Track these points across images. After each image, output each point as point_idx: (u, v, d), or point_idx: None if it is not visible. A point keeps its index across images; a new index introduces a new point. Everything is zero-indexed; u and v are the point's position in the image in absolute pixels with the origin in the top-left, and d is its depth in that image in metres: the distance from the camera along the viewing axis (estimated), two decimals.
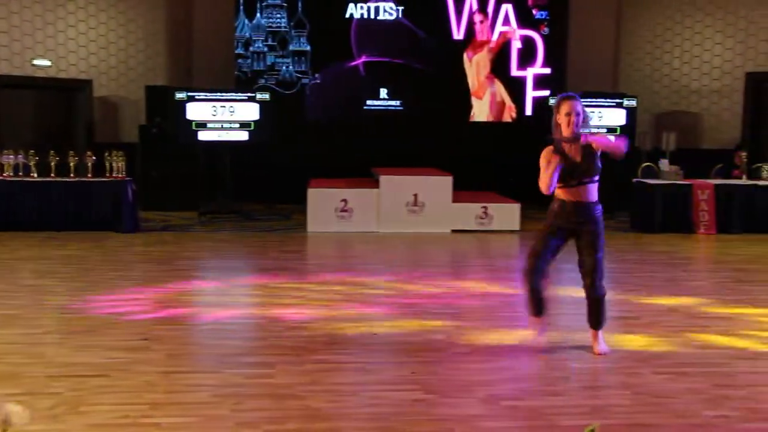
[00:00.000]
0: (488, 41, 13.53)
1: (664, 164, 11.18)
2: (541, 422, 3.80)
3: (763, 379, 4.48)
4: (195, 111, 11.06)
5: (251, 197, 12.55)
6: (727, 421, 3.82)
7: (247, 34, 13.11)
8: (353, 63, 13.30)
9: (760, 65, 13.02)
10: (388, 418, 3.82)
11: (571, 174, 4.94)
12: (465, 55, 13.50)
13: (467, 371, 4.61)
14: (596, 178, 5.01)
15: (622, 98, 12.17)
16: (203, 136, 11.13)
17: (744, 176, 11.07)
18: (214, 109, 11.08)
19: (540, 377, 4.52)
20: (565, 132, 4.94)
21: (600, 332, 5.00)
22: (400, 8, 13.30)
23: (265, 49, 13.16)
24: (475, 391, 4.23)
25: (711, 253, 9.22)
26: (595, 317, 5.00)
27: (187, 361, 4.74)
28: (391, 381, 4.36)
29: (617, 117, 12.03)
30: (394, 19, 13.31)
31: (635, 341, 5.24)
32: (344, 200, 10.24)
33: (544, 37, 13.62)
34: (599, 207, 5.06)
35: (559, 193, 5.07)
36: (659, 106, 13.80)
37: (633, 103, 12.14)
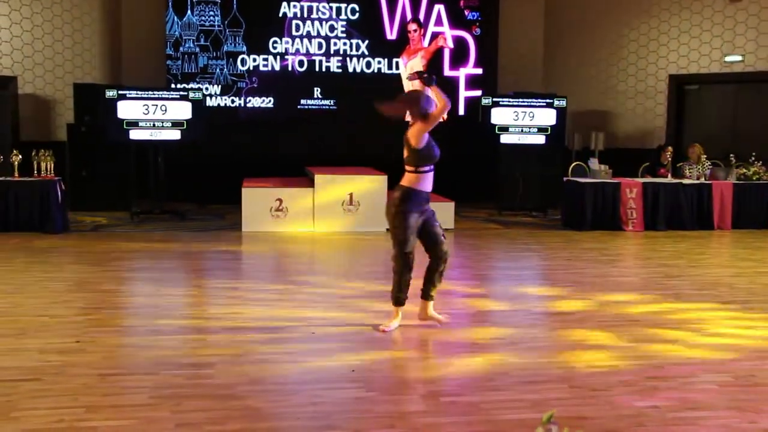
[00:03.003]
0: (422, 48, 13.63)
1: (593, 163, 11.46)
2: (480, 417, 3.85)
3: (690, 370, 4.64)
4: (126, 109, 10.83)
5: (185, 197, 12.37)
6: (658, 411, 3.95)
7: (177, 33, 12.87)
8: (287, 62, 13.23)
9: (682, 68, 13.48)
10: (329, 416, 3.82)
11: (434, 158, 5.49)
12: (400, 60, 13.57)
13: (407, 368, 4.64)
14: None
15: (552, 98, 12.42)
16: (135, 135, 10.91)
17: (669, 175, 11.44)
18: (146, 107, 10.87)
19: (478, 373, 4.58)
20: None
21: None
22: (333, 7, 13.29)
23: (197, 49, 12.95)
24: (415, 387, 4.27)
25: (639, 249, 9.49)
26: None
27: (124, 362, 4.65)
28: (332, 379, 4.37)
29: (547, 117, 12.27)
30: (327, 18, 13.29)
31: (571, 336, 5.36)
32: (279, 199, 10.19)
33: (475, 38, 13.81)
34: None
35: (422, 183, 5.43)
36: (588, 107, 14.14)
37: (563, 103, 12.40)
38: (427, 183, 5.42)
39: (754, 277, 7.64)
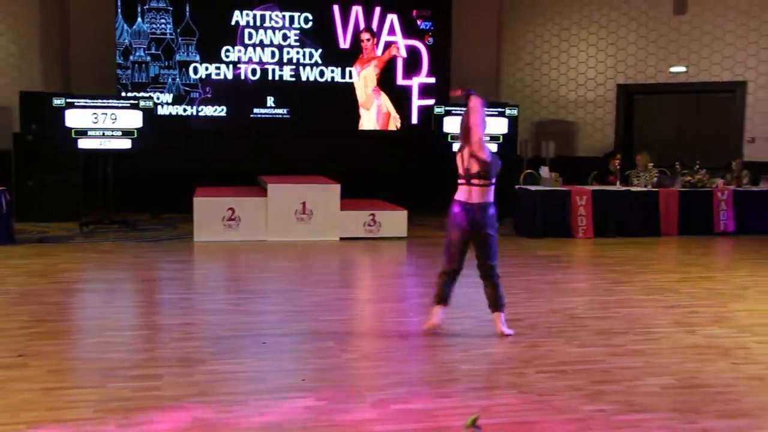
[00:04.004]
0: (375, 57, 13.69)
1: (544, 171, 11.61)
2: (431, 424, 3.88)
3: (636, 373, 4.73)
4: (74, 118, 10.66)
5: (135, 207, 12.20)
6: (604, 414, 4.02)
7: (127, 41, 12.71)
8: (240, 71, 13.16)
9: (630, 78, 13.75)
10: (279, 426, 3.81)
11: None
12: (354, 70, 13.60)
13: (357, 376, 4.65)
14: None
15: (504, 107, 12.57)
16: (84, 144, 10.74)
17: (618, 182, 11.65)
18: (95, 116, 10.71)
19: (428, 379, 4.60)
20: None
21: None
22: (286, 16, 13.28)
23: (148, 58, 12.79)
24: (365, 395, 4.27)
25: (589, 256, 9.64)
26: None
27: (69, 376, 4.57)
28: (282, 388, 4.35)
29: (499, 126, 12.41)
30: (279, 27, 13.27)
31: (518, 342, 5.42)
32: (231, 209, 10.12)
33: (428, 47, 13.91)
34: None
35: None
36: (539, 116, 14.34)
37: (514, 112, 12.55)
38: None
39: (698, 282, 7.82)
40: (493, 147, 12.35)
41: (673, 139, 13.42)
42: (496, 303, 5.61)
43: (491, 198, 5.55)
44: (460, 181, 5.57)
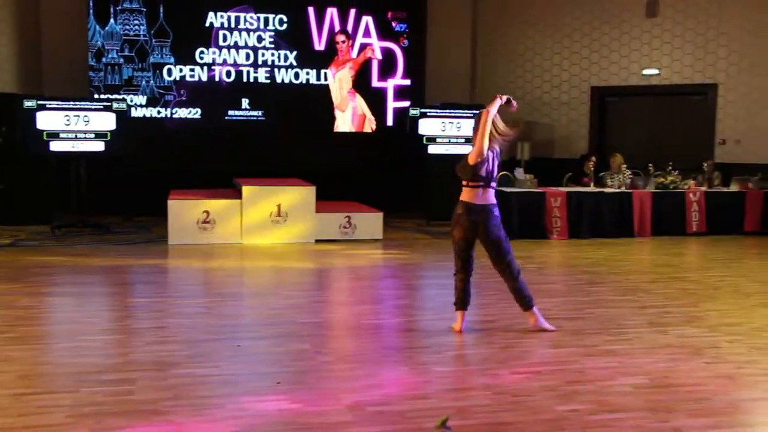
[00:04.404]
0: (350, 59, 13.69)
1: (519, 173, 11.68)
2: (407, 426, 3.88)
3: (609, 373, 4.77)
4: (46, 120, 10.55)
5: (109, 209, 12.11)
6: (578, 415, 4.05)
7: (100, 43, 12.60)
8: (214, 73, 13.11)
9: (603, 80, 13.87)
10: (254, 429, 3.80)
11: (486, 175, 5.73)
12: (329, 72, 13.59)
13: (333, 379, 4.65)
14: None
15: (478, 109, 12.53)
16: (56, 146, 10.63)
17: (592, 184, 11.74)
18: (67, 118, 10.61)
19: (404, 382, 4.61)
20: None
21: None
22: (261, 18, 13.24)
23: (121, 60, 12.69)
24: (341, 398, 4.27)
25: (564, 257, 9.71)
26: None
27: (41, 381, 4.52)
28: (257, 392, 4.34)
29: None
30: (254, 29, 13.23)
31: (493, 343, 5.44)
32: (206, 211, 10.07)
33: (403, 49, 13.93)
34: None
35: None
36: (514, 117, 14.39)
37: None
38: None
39: (671, 282, 7.91)
40: (468, 149, 12.40)
41: (646, 141, 13.55)
42: (521, 301, 5.74)
43: (493, 200, 5.76)
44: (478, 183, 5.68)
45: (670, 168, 11.71)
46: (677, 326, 6.02)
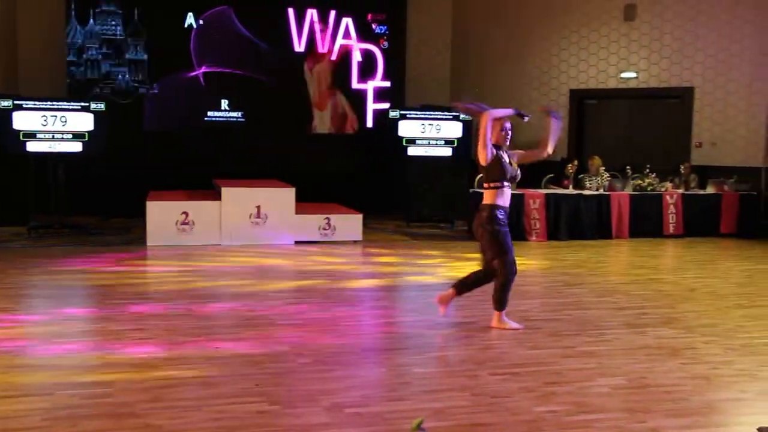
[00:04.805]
0: (329, 53, 13.68)
1: None
2: (385, 427, 3.88)
3: (587, 374, 4.80)
4: (23, 120, 10.45)
5: (87, 210, 12.00)
6: (556, 416, 4.07)
7: (80, 41, 12.55)
8: (193, 73, 13.05)
9: (581, 83, 13.96)
10: (232, 431, 3.78)
11: (506, 175, 5.76)
12: (305, 66, 13.57)
13: (311, 381, 4.63)
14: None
15: (458, 111, 12.61)
16: (32, 147, 10.53)
17: (570, 186, 11.81)
18: (44, 118, 10.52)
19: (382, 383, 4.62)
20: (501, 142, 5.83)
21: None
22: (241, 19, 13.20)
23: (100, 56, 12.65)
24: (319, 400, 4.27)
25: (542, 258, 9.75)
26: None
27: (16, 385, 4.46)
28: (235, 394, 4.32)
29: (454, 130, 12.49)
30: (234, 30, 13.19)
31: (472, 344, 5.46)
32: (185, 213, 10.02)
33: (383, 51, 13.95)
34: None
35: (494, 198, 5.78)
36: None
37: (468, 116, 12.61)
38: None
39: (648, 283, 7.98)
40: (448, 150, 12.47)
41: (624, 144, 13.65)
42: (493, 300, 5.89)
43: (489, 201, 5.83)
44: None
45: (647, 170, 11.81)
46: (654, 327, 6.07)
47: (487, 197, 5.83)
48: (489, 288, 7.54)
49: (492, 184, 5.80)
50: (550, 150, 6.03)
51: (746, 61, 12.70)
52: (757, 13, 12.55)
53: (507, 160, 5.83)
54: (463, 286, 6.06)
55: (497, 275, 5.84)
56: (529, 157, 6.10)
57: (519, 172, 5.93)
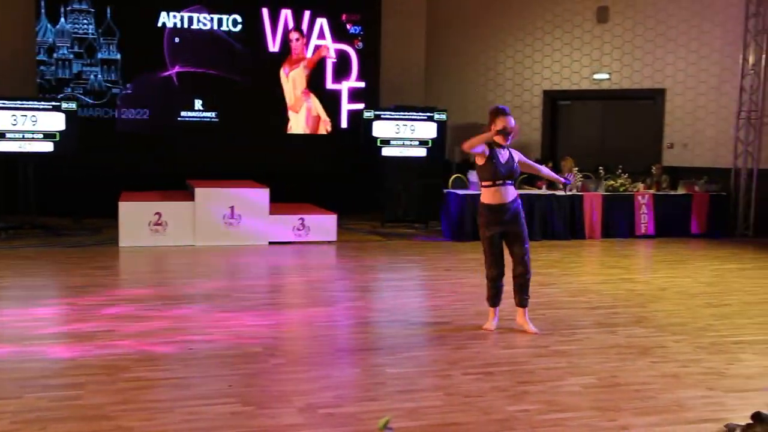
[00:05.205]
0: (304, 58, 13.66)
1: (472, 175, 11.75)
2: (358, 428, 3.89)
3: (559, 374, 4.84)
4: None
5: (58, 211, 11.88)
6: (528, 415, 4.10)
7: (51, 40, 12.41)
8: (166, 73, 12.97)
9: (555, 84, 14.06)
10: None
11: (499, 175, 5.72)
12: (282, 71, 13.54)
13: (284, 381, 4.63)
14: (512, 181, 5.88)
15: (432, 112, 12.69)
16: (2, 146, 10.40)
17: (544, 186, 11.89)
18: (14, 118, 10.39)
19: (356, 384, 4.62)
20: (500, 141, 5.78)
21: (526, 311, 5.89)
22: (215, 18, 13.14)
23: (71, 56, 12.52)
24: (292, 400, 4.26)
25: None
26: (525, 296, 5.89)
27: None
28: (208, 395, 4.31)
29: (428, 130, 12.53)
30: (208, 30, 13.12)
31: (446, 345, 5.48)
32: (158, 213, 9.95)
33: (358, 52, 13.95)
34: (519, 202, 5.91)
35: (484, 197, 5.82)
36: (468, 120, 14.52)
37: (443, 116, 12.70)
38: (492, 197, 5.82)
39: (620, 283, 8.05)
40: (422, 151, 12.51)
41: (597, 145, 13.77)
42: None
43: (481, 200, 5.91)
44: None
45: (619, 171, 11.92)
46: (625, 327, 6.13)
47: (481, 196, 5.89)
48: (461, 289, 7.59)
49: (483, 184, 5.84)
50: (543, 174, 6.43)
51: (715, 64, 12.87)
52: (725, 16, 12.72)
53: (502, 160, 5.77)
54: (517, 295, 5.97)
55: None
56: (529, 170, 6.20)
57: (517, 168, 5.88)
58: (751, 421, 3.84)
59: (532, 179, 12.18)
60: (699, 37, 12.94)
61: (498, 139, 5.78)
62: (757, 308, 6.97)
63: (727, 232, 12.18)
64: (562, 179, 6.58)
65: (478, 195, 5.90)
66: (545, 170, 6.44)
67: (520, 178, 12.30)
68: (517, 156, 5.96)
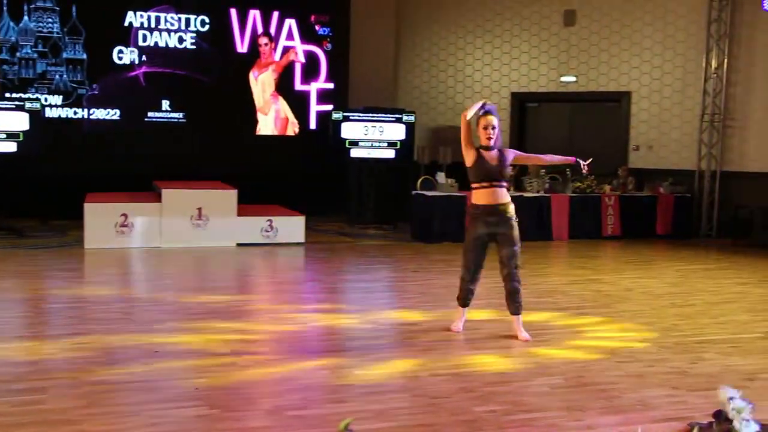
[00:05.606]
0: (273, 62, 13.60)
1: (440, 177, 11.80)
2: (326, 429, 3.88)
3: (526, 374, 4.87)
4: None
5: (22, 213, 11.69)
6: (495, 415, 4.13)
7: (13, 38, 12.21)
8: (133, 73, 12.83)
9: (523, 86, 14.16)
10: None
11: (486, 176, 5.66)
12: (251, 74, 13.47)
13: (251, 384, 4.61)
14: (505, 182, 5.82)
15: (401, 113, 12.72)
16: None
17: (511, 188, 11.95)
18: None
19: (323, 386, 4.61)
20: (483, 142, 5.71)
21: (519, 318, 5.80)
22: (182, 18, 13.02)
23: (35, 55, 12.33)
24: (259, 403, 4.24)
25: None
26: (515, 304, 5.79)
27: None
28: (174, 398, 4.27)
29: (397, 131, 12.55)
30: (176, 30, 13.01)
31: (413, 346, 5.49)
32: (124, 215, 9.84)
33: (326, 53, 13.92)
34: (512, 206, 5.87)
35: (472, 198, 5.81)
36: (436, 122, 14.58)
37: (411, 118, 12.73)
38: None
39: (587, 284, 8.13)
40: (390, 152, 12.52)
41: (565, 146, 13.83)
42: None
43: (471, 199, 5.89)
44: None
45: (586, 173, 12.00)
46: (592, 327, 6.19)
47: (471, 197, 5.88)
48: (429, 290, 7.61)
49: (473, 185, 5.83)
50: (548, 162, 6.42)
51: (678, 68, 13.05)
52: (687, 21, 12.90)
53: (490, 161, 5.71)
54: (508, 303, 5.91)
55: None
56: (529, 161, 6.16)
57: (507, 169, 5.81)
58: (713, 419, 3.90)
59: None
60: (663, 41, 13.12)
61: (483, 140, 5.73)
62: (720, 308, 7.08)
63: (691, 233, 12.36)
64: (575, 160, 6.23)
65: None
66: (549, 157, 6.31)
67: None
68: (512, 155, 5.86)
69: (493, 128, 5.69)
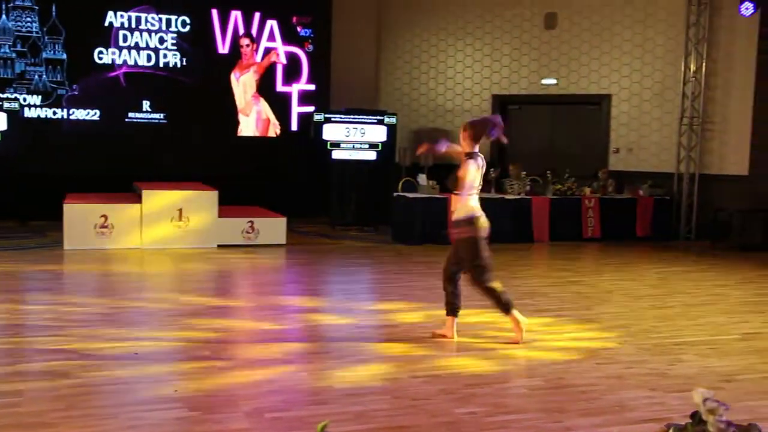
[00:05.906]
0: (254, 63, 13.56)
1: (422, 179, 11.81)
2: None
3: (506, 376, 4.89)
4: None
5: (0, 214, 11.58)
6: (475, 417, 4.14)
7: None
8: (113, 74, 12.75)
9: (504, 89, 14.21)
10: None
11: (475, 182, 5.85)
12: (232, 76, 13.42)
13: (231, 386, 4.59)
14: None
15: (382, 115, 12.73)
16: None
17: (492, 190, 11.99)
18: None
19: (303, 388, 4.60)
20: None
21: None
22: (163, 19, 12.96)
23: (14, 54, 12.23)
24: (239, 405, 4.23)
25: None
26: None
27: None
28: (153, 400, 4.24)
29: (378, 133, 12.55)
30: (156, 30, 12.94)
31: (394, 348, 5.50)
32: (104, 216, 9.78)
33: (308, 54, 13.90)
34: None
35: (476, 204, 5.94)
36: (418, 124, 14.59)
37: (393, 120, 12.73)
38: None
39: (567, 286, 8.17)
40: (372, 154, 12.52)
41: (546, 149, 13.94)
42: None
43: (473, 209, 6.02)
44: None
45: (567, 175, 12.10)
46: (572, 329, 6.22)
47: (470, 206, 6.00)
48: (410, 292, 7.62)
49: (469, 192, 5.94)
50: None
51: (658, 71, 13.15)
52: (666, 25, 13.01)
53: (477, 169, 5.95)
54: (499, 304, 5.90)
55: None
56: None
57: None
58: (690, 421, 3.92)
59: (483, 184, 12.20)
60: (643, 45, 13.22)
61: (465, 147, 5.90)
62: (698, 310, 7.14)
63: (670, 236, 12.45)
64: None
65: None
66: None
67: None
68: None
69: (462, 132, 6.03)
